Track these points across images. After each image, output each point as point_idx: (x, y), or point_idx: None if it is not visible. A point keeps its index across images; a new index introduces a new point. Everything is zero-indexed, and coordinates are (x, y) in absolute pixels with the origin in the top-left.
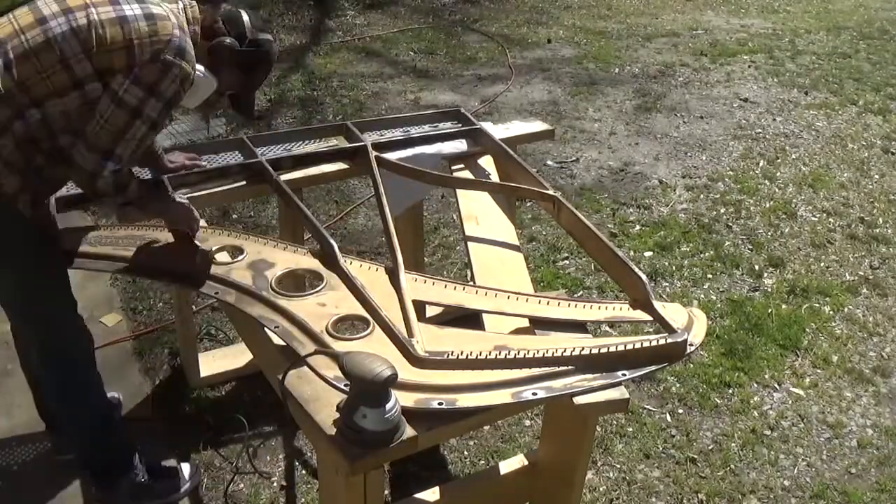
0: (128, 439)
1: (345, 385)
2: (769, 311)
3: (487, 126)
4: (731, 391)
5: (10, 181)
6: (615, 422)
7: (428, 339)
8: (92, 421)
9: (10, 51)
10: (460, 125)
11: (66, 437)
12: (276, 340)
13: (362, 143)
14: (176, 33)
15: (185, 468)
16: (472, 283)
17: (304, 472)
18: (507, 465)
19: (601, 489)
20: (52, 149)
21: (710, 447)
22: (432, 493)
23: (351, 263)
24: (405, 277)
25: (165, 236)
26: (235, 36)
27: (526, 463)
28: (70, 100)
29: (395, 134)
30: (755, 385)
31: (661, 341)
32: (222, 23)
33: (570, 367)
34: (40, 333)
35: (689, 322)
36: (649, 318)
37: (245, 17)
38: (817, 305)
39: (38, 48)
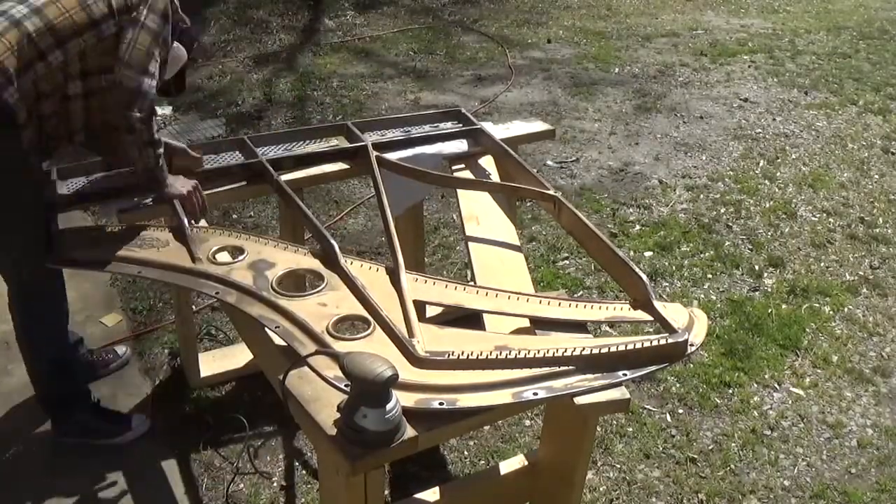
0: (83, 380)
1: (345, 385)
2: (769, 311)
3: (488, 126)
4: (731, 391)
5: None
6: (615, 422)
7: (428, 339)
8: (50, 354)
9: (34, 1)
10: (461, 125)
11: (30, 374)
12: (277, 340)
13: (363, 143)
14: None
15: (135, 418)
16: (472, 283)
17: (304, 472)
18: (508, 465)
19: (601, 489)
20: (63, 98)
21: (710, 447)
22: (432, 494)
23: (351, 263)
24: (406, 277)
25: (166, 237)
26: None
27: (526, 463)
28: (87, 38)
29: (396, 134)
30: (755, 385)
31: (662, 341)
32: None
33: (570, 367)
34: (17, 271)
35: (689, 322)
36: (650, 318)
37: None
38: (817, 305)
39: None
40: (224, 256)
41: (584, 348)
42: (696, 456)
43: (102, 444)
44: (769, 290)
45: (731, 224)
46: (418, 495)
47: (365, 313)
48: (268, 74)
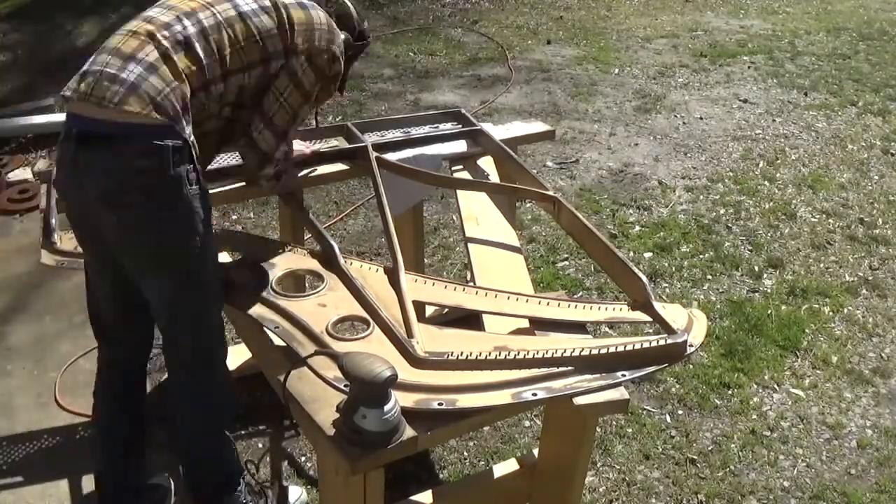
0: (237, 456)
1: (345, 386)
2: (769, 311)
3: (488, 127)
4: (730, 392)
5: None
6: (615, 422)
7: (428, 339)
8: (222, 424)
9: (203, 20)
10: (461, 126)
11: (186, 452)
12: (276, 341)
13: (363, 144)
14: (339, 31)
15: (294, 491)
16: (472, 283)
17: (303, 472)
18: (507, 466)
19: (601, 490)
20: (219, 121)
21: (709, 448)
22: (431, 495)
23: (351, 264)
24: (405, 278)
25: None
26: (348, 29)
27: (525, 464)
28: (253, 75)
29: (396, 135)
30: (755, 386)
31: (661, 342)
32: (335, 18)
33: (569, 368)
34: (196, 335)
35: (689, 323)
36: (649, 319)
37: (353, 10)
38: (817, 306)
39: (231, 20)
40: (223, 257)
41: (583, 349)
42: (695, 457)
43: None
44: (769, 290)
45: (730, 225)
46: (416, 496)
47: (364, 314)
48: None
